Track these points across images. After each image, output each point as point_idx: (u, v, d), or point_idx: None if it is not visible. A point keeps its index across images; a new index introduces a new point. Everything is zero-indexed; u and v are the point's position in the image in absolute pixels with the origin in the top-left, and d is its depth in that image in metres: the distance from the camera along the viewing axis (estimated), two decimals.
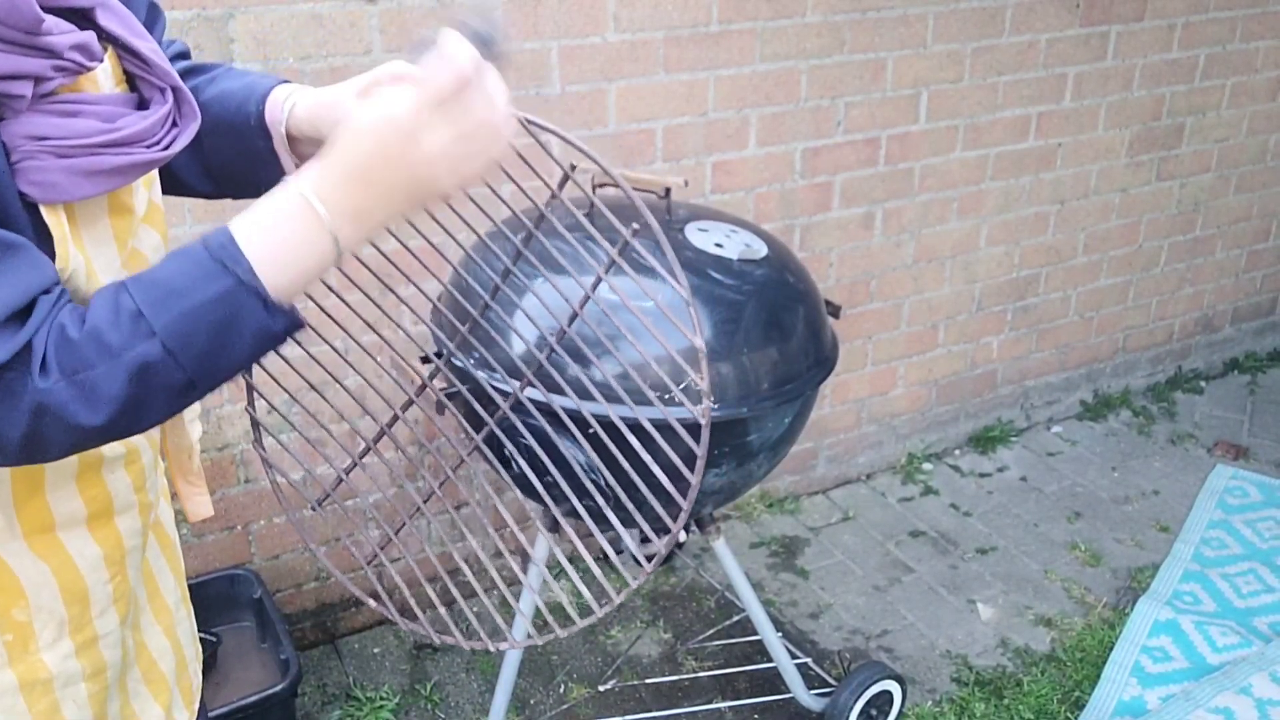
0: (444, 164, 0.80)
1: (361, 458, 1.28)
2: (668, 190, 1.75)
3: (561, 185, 1.06)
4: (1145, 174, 3.20)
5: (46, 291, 0.76)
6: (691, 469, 1.05)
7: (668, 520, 1.09)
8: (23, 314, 0.74)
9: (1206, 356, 3.72)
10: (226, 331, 0.77)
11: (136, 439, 0.95)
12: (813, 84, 2.50)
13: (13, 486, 0.87)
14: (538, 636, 1.16)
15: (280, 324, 0.80)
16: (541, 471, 1.33)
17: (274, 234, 0.79)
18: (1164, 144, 3.18)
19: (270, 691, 1.92)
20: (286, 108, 0.98)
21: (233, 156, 0.99)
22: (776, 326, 1.70)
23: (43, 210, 0.79)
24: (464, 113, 0.80)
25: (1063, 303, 3.24)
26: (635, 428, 1.12)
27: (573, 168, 1.06)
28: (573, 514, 1.26)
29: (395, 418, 1.26)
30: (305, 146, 1.00)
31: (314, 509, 1.26)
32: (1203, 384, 3.66)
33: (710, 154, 2.44)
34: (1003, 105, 2.81)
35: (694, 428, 1.08)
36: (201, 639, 2.02)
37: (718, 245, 1.71)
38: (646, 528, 1.12)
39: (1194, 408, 3.51)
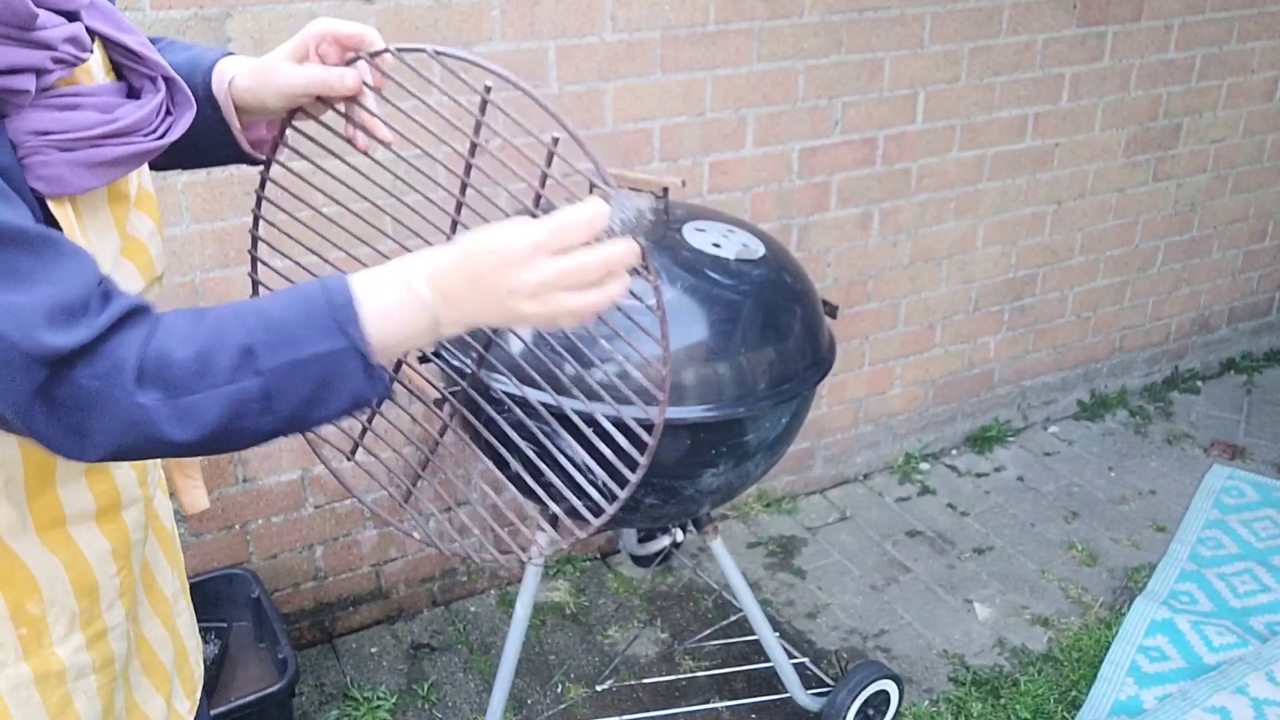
0: (530, 301, 0.84)
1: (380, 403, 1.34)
2: (665, 190, 1.75)
3: (482, 110, 1.05)
4: (1142, 174, 3.20)
5: (98, 284, 0.78)
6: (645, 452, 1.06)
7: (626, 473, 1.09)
8: (78, 310, 0.75)
9: (1203, 356, 3.72)
10: (325, 388, 0.81)
11: None
12: (810, 84, 2.50)
13: (25, 482, 0.88)
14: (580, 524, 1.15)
15: (375, 390, 0.84)
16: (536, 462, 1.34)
17: (383, 301, 0.83)
18: (1160, 144, 3.19)
19: (268, 691, 1.92)
20: (228, 78, 1.02)
21: None
22: (774, 326, 1.70)
23: (50, 204, 0.80)
24: (571, 272, 0.84)
25: (1059, 303, 3.25)
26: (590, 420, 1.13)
27: (487, 89, 1.04)
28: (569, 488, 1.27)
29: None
30: (247, 115, 1.04)
31: (349, 459, 1.31)
32: (1199, 384, 3.67)
33: (707, 154, 2.44)
34: (999, 105, 2.81)
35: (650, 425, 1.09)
36: (212, 627, 2.04)
37: (715, 245, 1.71)
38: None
39: (1190, 408, 3.52)
